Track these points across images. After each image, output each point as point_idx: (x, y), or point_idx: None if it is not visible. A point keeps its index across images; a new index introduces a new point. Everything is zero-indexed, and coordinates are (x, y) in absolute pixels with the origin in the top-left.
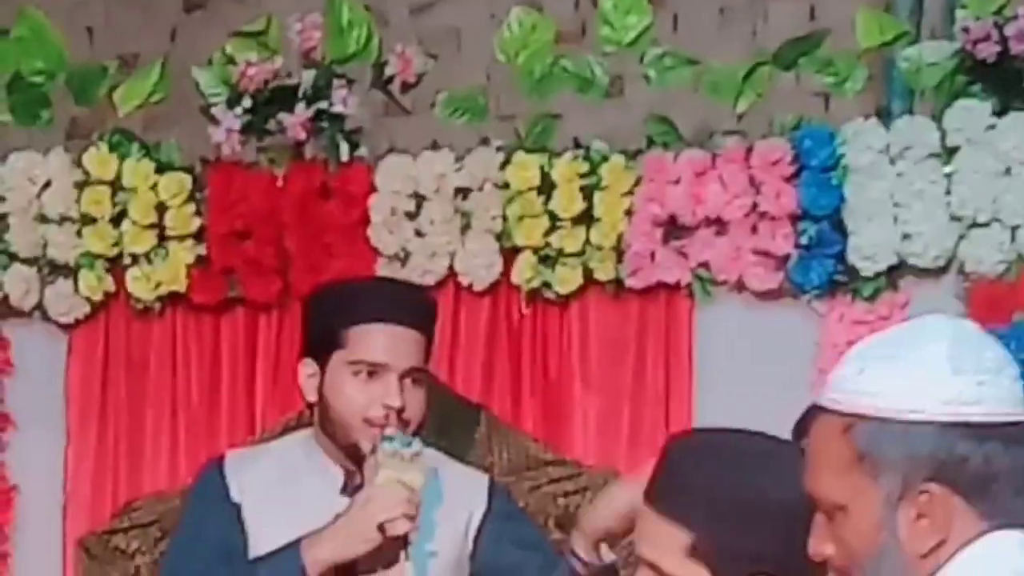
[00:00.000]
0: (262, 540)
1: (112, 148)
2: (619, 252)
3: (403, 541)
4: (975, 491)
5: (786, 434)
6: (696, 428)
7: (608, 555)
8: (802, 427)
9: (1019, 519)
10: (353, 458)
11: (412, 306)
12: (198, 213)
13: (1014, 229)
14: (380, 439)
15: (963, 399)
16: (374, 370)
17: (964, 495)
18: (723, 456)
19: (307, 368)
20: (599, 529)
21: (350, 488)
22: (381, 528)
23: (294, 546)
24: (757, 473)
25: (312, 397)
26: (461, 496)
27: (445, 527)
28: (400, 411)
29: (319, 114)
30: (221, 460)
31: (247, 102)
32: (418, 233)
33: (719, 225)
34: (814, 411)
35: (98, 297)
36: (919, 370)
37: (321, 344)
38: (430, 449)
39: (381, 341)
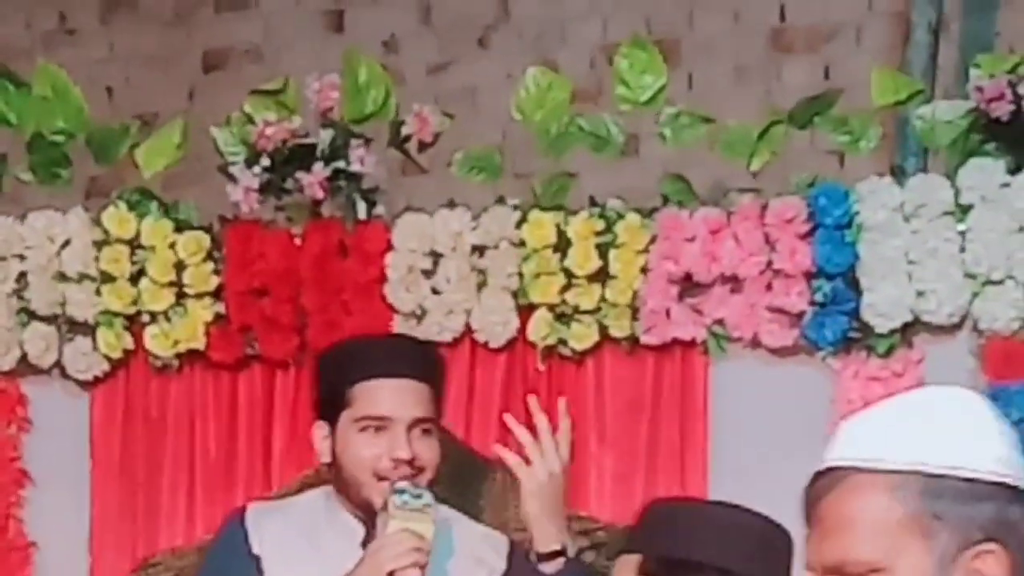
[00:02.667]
0: None
1: (131, 207)
2: (634, 309)
3: None
4: (1022, 556)
5: (800, 490)
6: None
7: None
8: (815, 491)
9: None
10: (368, 515)
11: (413, 358)
12: (216, 271)
13: None
14: (391, 492)
15: (1008, 462)
16: (380, 424)
17: (1015, 558)
18: (674, 500)
19: (320, 431)
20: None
21: (370, 542)
22: None
23: None
24: (701, 505)
25: (327, 459)
26: (481, 556)
27: None
28: (411, 461)
29: (336, 173)
30: (243, 512)
31: (265, 161)
32: (435, 291)
33: (734, 282)
34: (830, 474)
35: (117, 355)
36: (970, 427)
37: (330, 405)
38: (450, 509)
39: (383, 395)
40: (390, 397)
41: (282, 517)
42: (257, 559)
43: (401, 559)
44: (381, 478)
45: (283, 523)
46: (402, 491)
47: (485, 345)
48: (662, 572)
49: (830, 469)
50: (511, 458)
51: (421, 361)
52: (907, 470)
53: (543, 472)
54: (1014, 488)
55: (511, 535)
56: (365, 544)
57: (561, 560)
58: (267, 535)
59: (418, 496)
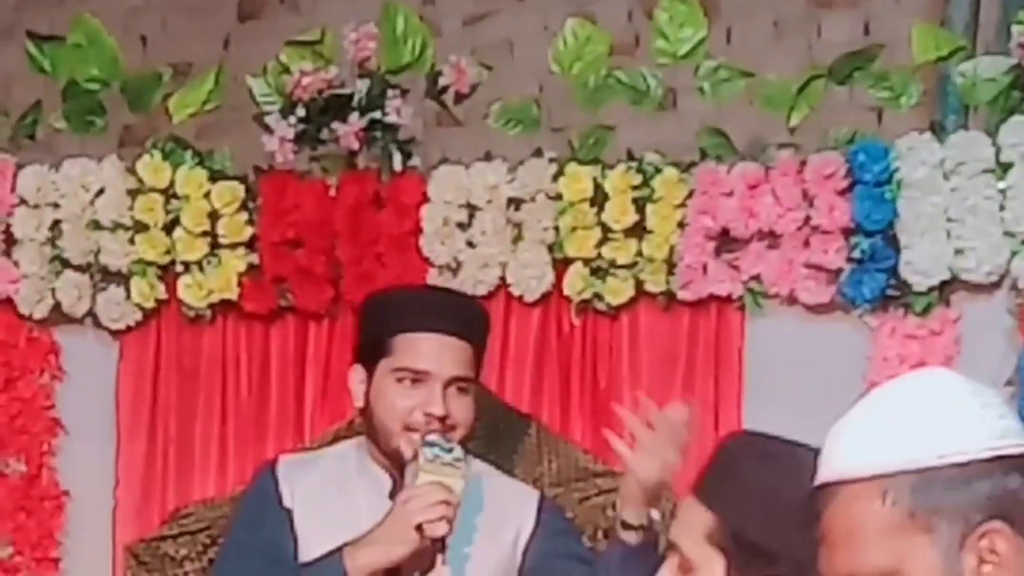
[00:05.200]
0: (312, 545)
1: (165, 156)
2: (671, 264)
3: (441, 544)
4: None
5: None
6: (755, 431)
7: (655, 514)
8: (816, 510)
9: None
10: (397, 465)
11: (459, 316)
12: (250, 222)
13: None
14: (421, 444)
15: (996, 433)
16: (418, 378)
17: (1021, 529)
18: (768, 456)
19: (357, 374)
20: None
21: (398, 493)
22: (419, 529)
23: (337, 553)
24: (794, 480)
25: (360, 403)
26: (510, 510)
27: (491, 539)
28: (443, 419)
29: (372, 124)
30: (274, 465)
31: (301, 111)
32: (470, 244)
33: (771, 238)
34: (825, 490)
35: (150, 304)
36: (949, 412)
37: (370, 351)
38: (480, 462)
39: (424, 349)
40: (431, 352)
41: (312, 469)
42: (289, 512)
43: (430, 512)
44: (410, 429)
45: (313, 475)
46: (433, 444)
47: (520, 299)
48: None
49: (825, 485)
50: (621, 447)
51: (467, 319)
52: (893, 471)
53: (655, 463)
54: (1010, 456)
55: (544, 490)
56: (392, 495)
57: (641, 532)
58: (298, 487)
59: (449, 450)
